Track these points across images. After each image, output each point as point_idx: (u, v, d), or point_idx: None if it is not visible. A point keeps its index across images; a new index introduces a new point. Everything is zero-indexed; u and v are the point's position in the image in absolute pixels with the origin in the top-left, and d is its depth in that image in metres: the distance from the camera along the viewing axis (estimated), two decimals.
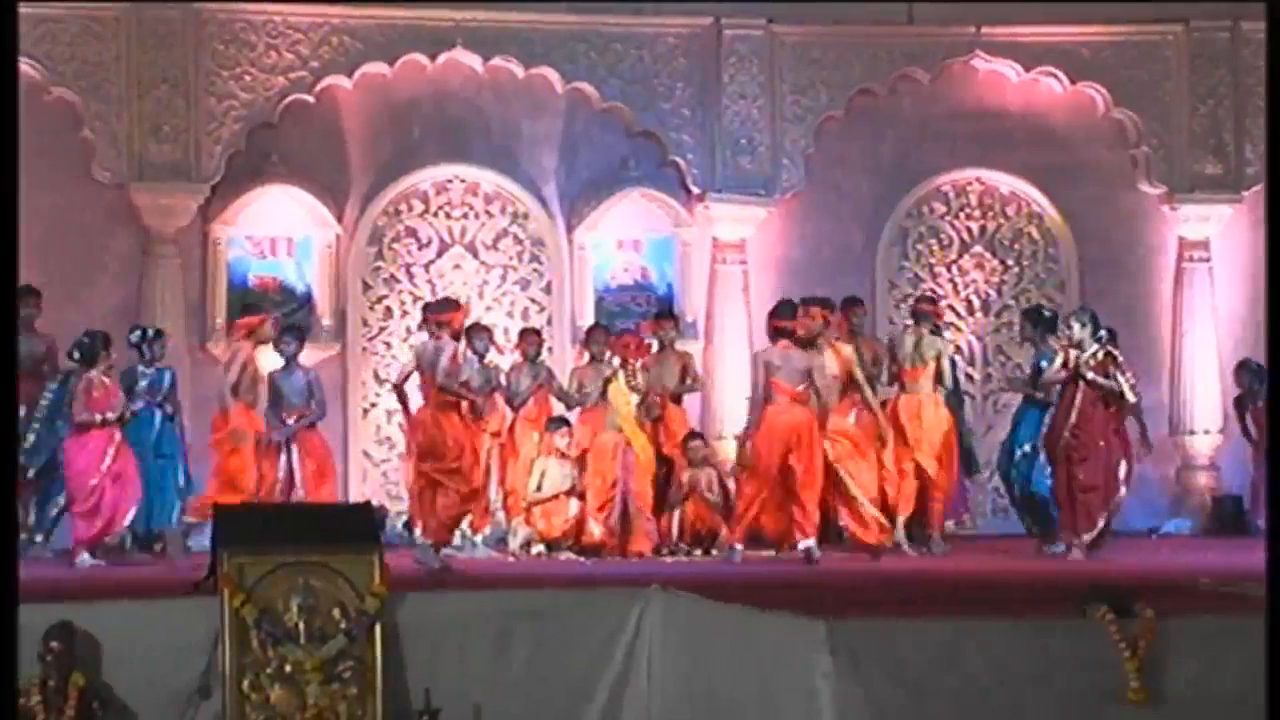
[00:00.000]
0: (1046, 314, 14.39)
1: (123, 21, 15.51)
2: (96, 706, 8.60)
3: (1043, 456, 13.56)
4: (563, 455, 13.93)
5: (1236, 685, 7.98)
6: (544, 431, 14.10)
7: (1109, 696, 7.88)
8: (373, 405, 16.06)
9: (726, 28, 16.39)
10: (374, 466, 16.06)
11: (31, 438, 13.12)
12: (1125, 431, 13.28)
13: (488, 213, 16.39)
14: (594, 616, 9.47)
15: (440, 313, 12.58)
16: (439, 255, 16.29)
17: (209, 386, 15.33)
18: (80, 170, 15.50)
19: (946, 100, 16.84)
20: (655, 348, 14.48)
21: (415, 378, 12.63)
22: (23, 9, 13.24)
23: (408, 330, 15.90)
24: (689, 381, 14.72)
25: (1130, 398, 13.05)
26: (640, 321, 15.20)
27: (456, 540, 12.51)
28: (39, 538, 13.36)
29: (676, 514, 13.82)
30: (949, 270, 16.90)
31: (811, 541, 12.79)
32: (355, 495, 15.44)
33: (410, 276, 16.22)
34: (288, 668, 8.86)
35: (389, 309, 16.15)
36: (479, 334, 13.85)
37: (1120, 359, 13.19)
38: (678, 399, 14.64)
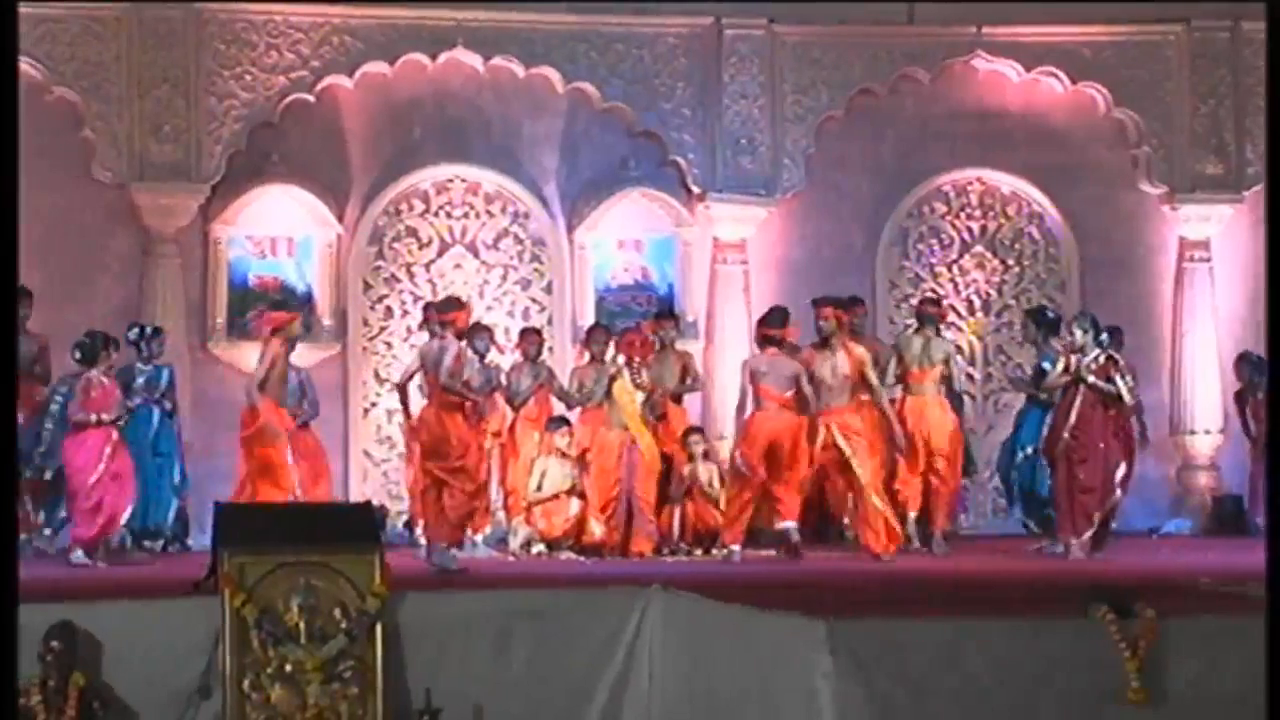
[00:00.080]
0: (1050, 315, 14.42)
1: (123, 21, 15.51)
2: (97, 706, 8.60)
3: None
4: (563, 455, 13.93)
5: (1237, 685, 7.98)
6: (544, 431, 14.10)
7: (1109, 696, 7.88)
8: (373, 405, 16.06)
9: (727, 27, 16.39)
10: (374, 466, 16.05)
11: (46, 439, 13.14)
12: (1125, 434, 13.32)
13: (488, 212, 16.39)
14: (594, 616, 9.47)
15: (445, 312, 12.58)
16: (440, 255, 16.29)
17: (210, 385, 15.39)
18: (81, 170, 15.50)
19: (947, 100, 16.84)
20: (656, 347, 14.48)
21: (417, 377, 12.64)
22: (23, 9, 13.24)
23: (408, 330, 15.91)
24: (689, 381, 14.73)
25: (1128, 400, 13.11)
26: (641, 321, 15.20)
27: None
28: (47, 531, 13.40)
29: (677, 513, 13.82)
30: (949, 270, 16.90)
31: (792, 524, 12.93)
32: (356, 495, 15.44)
33: (411, 276, 16.22)
34: (288, 667, 8.86)
35: (389, 309, 16.15)
36: (479, 334, 13.84)
37: (1121, 362, 13.23)
38: (678, 399, 14.65)
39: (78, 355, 13.03)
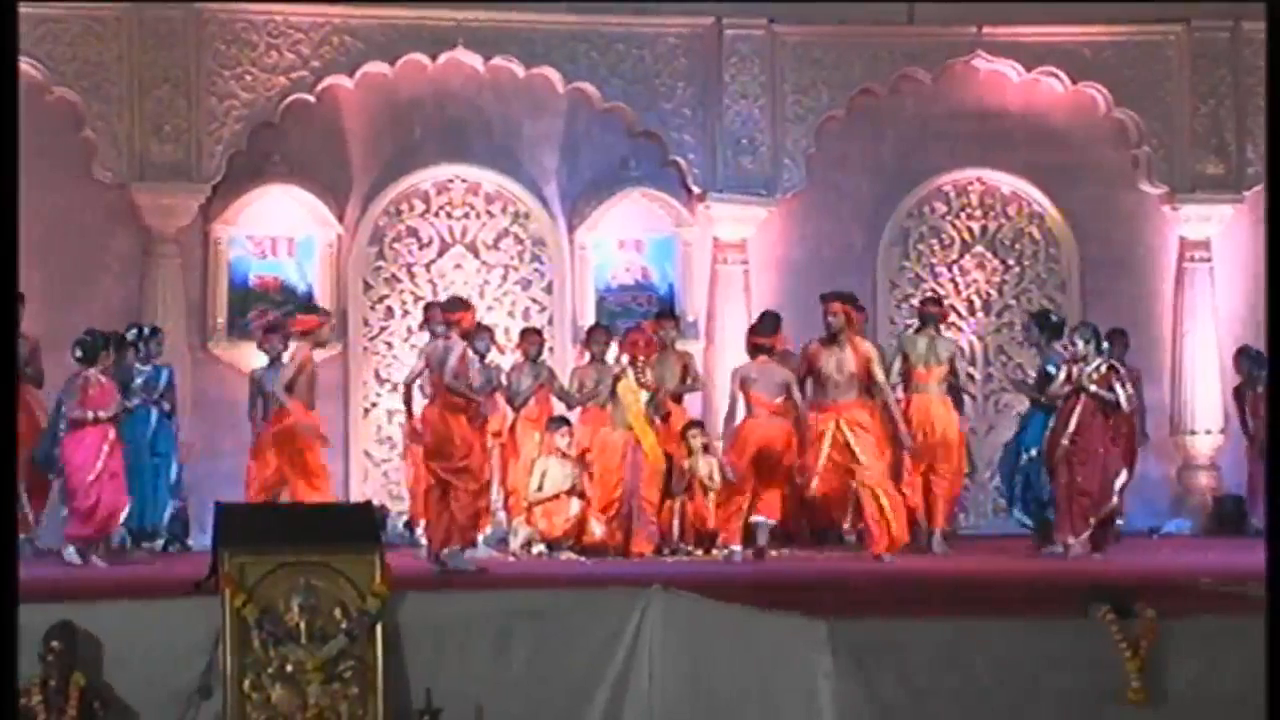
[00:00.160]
0: (1054, 319, 14.44)
1: (124, 21, 15.51)
2: (97, 706, 8.60)
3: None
4: (564, 455, 13.93)
5: (1237, 685, 7.99)
6: (545, 431, 14.10)
7: (1110, 696, 7.88)
8: (373, 405, 16.06)
9: (728, 28, 16.39)
10: (375, 466, 16.06)
11: (60, 439, 13.17)
12: (1126, 440, 13.53)
13: (489, 212, 16.39)
14: (595, 616, 9.47)
15: (450, 312, 12.57)
16: (440, 255, 16.29)
17: (210, 385, 15.39)
18: (81, 170, 15.50)
19: (947, 100, 16.84)
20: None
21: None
22: (24, 9, 13.25)
23: (409, 330, 15.92)
24: (690, 381, 14.72)
25: (1125, 408, 13.22)
26: (642, 321, 15.19)
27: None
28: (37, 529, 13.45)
29: (677, 512, 13.82)
30: (950, 270, 16.90)
31: (764, 518, 13.00)
32: (356, 495, 15.44)
33: (411, 276, 16.22)
34: (289, 667, 8.86)
35: (390, 309, 16.15)
36: (480, 334, 13.82)
37: (1121, 371, 13.32)
38: (678, 399, 14.65)
39: (78, 353, 13.04)
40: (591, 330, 15.06)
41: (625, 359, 13.94)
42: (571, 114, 16.44)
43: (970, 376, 16.33)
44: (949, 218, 16.95)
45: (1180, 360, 16.72)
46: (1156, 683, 7.90)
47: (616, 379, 13.84)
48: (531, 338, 14.85)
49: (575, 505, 13.81)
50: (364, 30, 15.88)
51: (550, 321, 16.25)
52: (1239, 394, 15.67)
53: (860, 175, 16.81)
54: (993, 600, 9.69)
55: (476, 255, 16.34)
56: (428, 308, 14.80)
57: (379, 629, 8.97)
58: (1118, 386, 13.15)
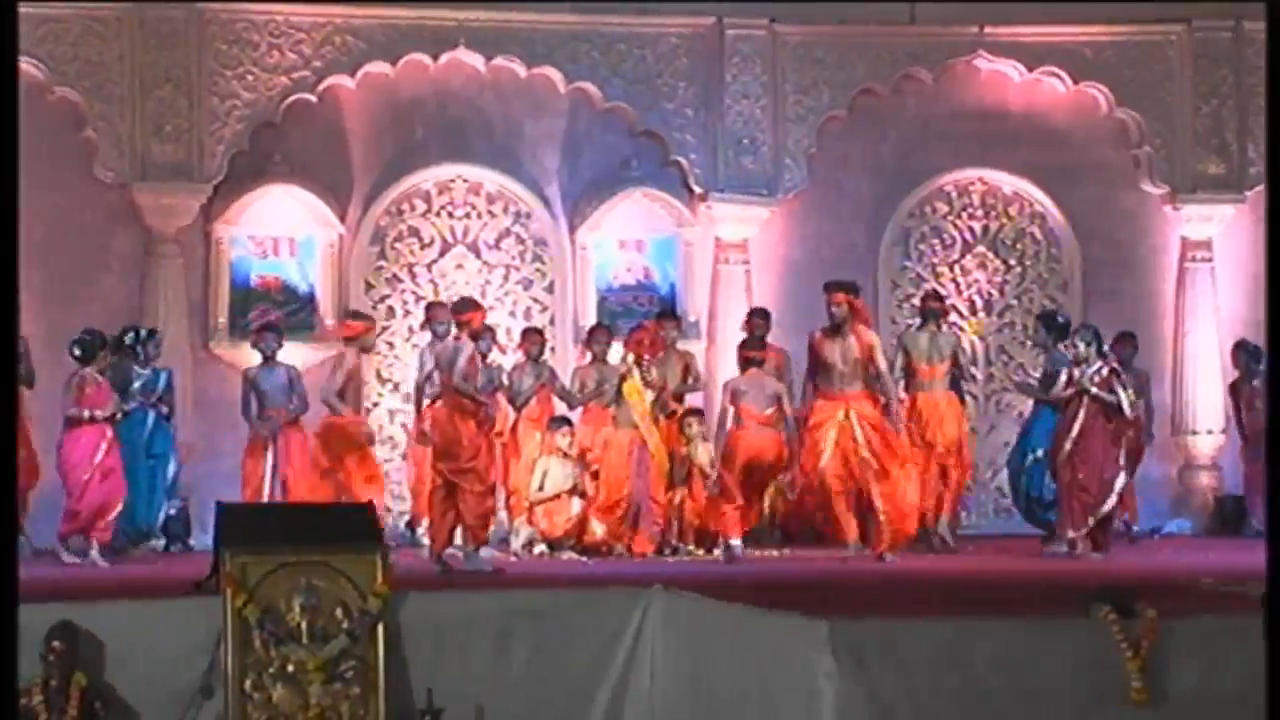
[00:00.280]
0: (1060, 320, 14.46)
1: (125, 21, 15.51)
2: (98, 706, 8.60)
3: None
4: (565, 455, 13.93)
5: (1238, 685, 7.99)
6: (546, 431, 14.10)
7: (1111, 696, 7.88)
8: (374, 405, 16.04)
9: (729, 27, 16.39)
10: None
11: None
12: (1133, 441, 13.56)
13: (490, 212, 16.39)
14: (596, 616, 9.47)
15: (460, 312, 12.57)
16: (441, 255, 16.30)
17: (211, 385, 15.39)
18: (83, 170, 15.51)
19: (949, 100, 16.84)
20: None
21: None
22: (25, 9, 13.21)
23: (410, 330, 15.92)
24: (691, 381, 14.73)
25: (1128, 413, 13.24)
26: (646, 320, 15.18)
27: (458, 539, 12.51)
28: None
29: (675, 510, 13.82)
30: (951, 270, 16.90)
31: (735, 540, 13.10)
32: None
33: (413, 276, 16.22)
34: (290, 667, 8.86)
35: (391, 309, 16.15)
36: (482, 334, 13.84)
37: (1123, 374, 13.35)
38: (680, 398, 14.65)
39: (76, 353, 13.06)
40: (593, 330, 15.06)
41: (630, 358, 13.94)
42: (573, 114, 16.44)
43: (972, 376, 16.33)
44: (950, 217, 16.95)
45: (1182, 360, 16.71)
46: (1157, 683, 7.91)
47: (622, 378, 13.84)
48: (533, 338, 14.85)
49: (576, 505, 13.82)
50: (365, 30, 15.89)
51: (551, 321, 16.25)
52: (1235, 389, 15.68)
53: (862, 175, 16.81)
54: (993, 600, 9.69)
55: (478, 255, 16.34)
56: (429, 308, 14.80)
57: (380, 629, 8.97)
58: (1119, 389, 13.18)
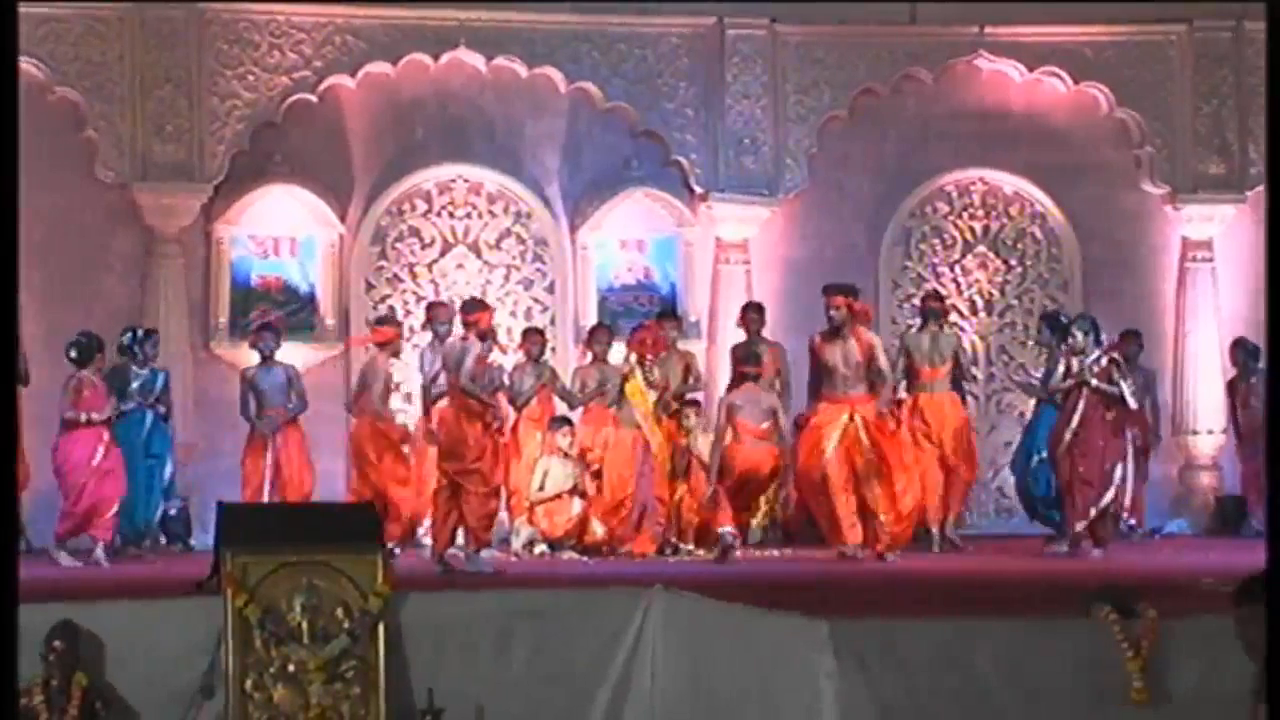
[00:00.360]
0: (1063, 320, 14.47)
1: (126, 21, 15.52)
2: (99, 706, 8.60)
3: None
4: (565, 454, 13.94)
5: (1238, 685, 7.95)
6: (547, 431, 14.11)
7: (1112, 696, 7.87)
8: None
9: (730, 27, 16.40)
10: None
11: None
12: (1140, 432, 13.83)
13: (491, 212, 16.40)
14: (596, 616, 9.47)
15: (468, 313, 12.57)
16: (442, 255, 16.30)
17: (211, 385, 15.39)
18: (83, 170, 15.51)
19: (950, 100, 16.84)
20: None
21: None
22: (26, 9, 13.25)
23: (410, 330, 15.90)
24: (692, 381, 14.73)
25: (1131, 403, 13.24)
26: (648, 320, 15.18)
27: (459, 539, 12.53)
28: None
29: (673, 509, 13.82)
30: (952, 270, 16.90)
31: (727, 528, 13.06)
32: None
33: (413, 276, 16.23)
34: (291, 667, 8.86)
35: (392, 309, 16.13)
36: (489, 334, 13.85)
37: (1123, 364, 13.35)
38: (680, 398, 14.64)
39: (73, 355, 13.07)
40: (593, 330, 15.07)
41: (633, 358, 13.94)
42: (573, 114, 16.44)
43: (973, 376, 16.34)
44: (951, 217, 16.95)
45: (1182, 360, 16.71)
46: (1158, 683, 7.90)
47: (625, 379, 13.84)
48: (534, 338, 14.86)
49: (577, 505, 13.82)
50: (366, 30, 15.89)
51: (552, 321, 16.25)
52: (1232, 387, 15.69)
53: (862, 175, 16.81)
54: (994, 600, 9.69)
55: (478, 255, 16.35)
56: (429, 308, 14.83)
57: (381, 629, 8.97)
58: (1119, 379, 13.17)
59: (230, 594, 8.83)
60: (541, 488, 13.88)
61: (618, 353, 14.59)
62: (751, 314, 14.62)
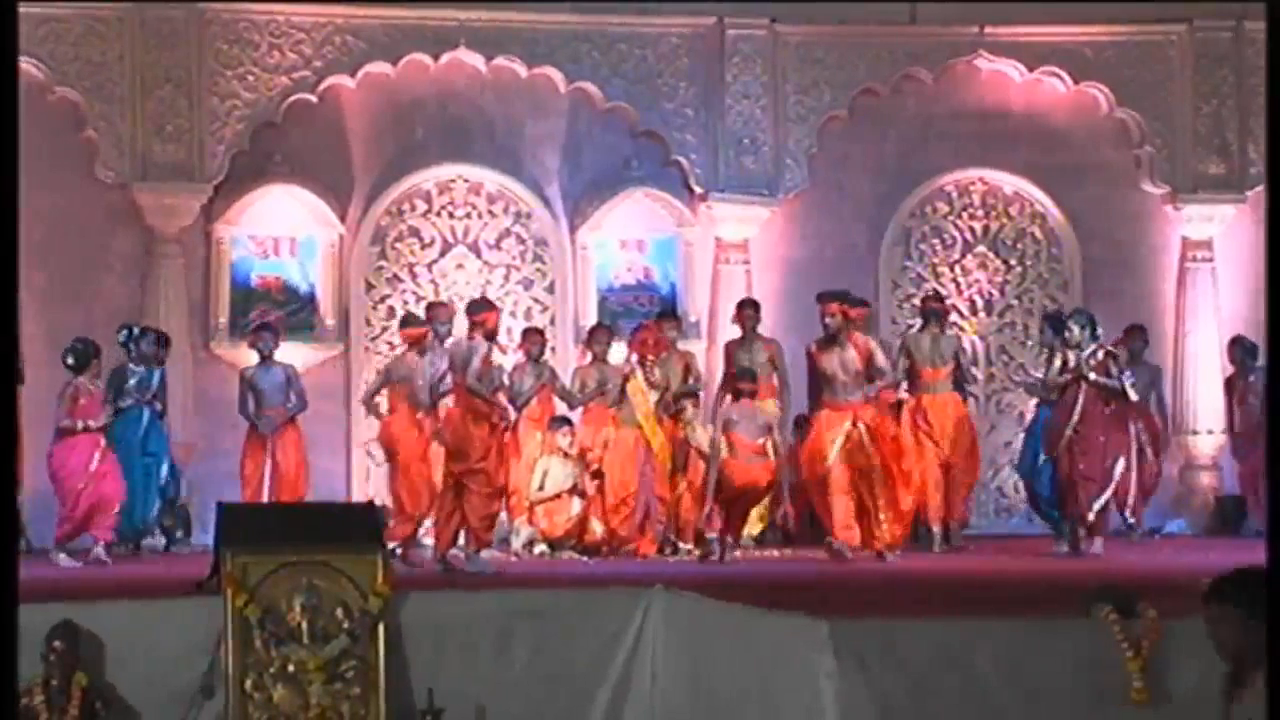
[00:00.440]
0: (1064, 319, 14.48)
1: (126, 21, 15.53)
2: (99, 706, 8.59)
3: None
4: (565, 454, 13.94)
5: None
6: (547, 431, 14.12)
7: (1111, 696, 7.86)
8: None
9: (730, 27, 16.40)
10: (377, 466, 16.03)
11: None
12: (1130, 429, 13.65)
13: (490, 212, 16.40)
14: (596, 616, 9.46)
15: (475, 313, 12.57)
16: (442, 255, 16.31)
17: (211, 385, 15.40)
18: (83, 170, 15.52)
19: (950, 100, 16.85)
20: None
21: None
22: (26, 9, 13.25)
23: None
24: (691, 381, 14.71)
25: (1132, 395, 13.28)
26: (648, 320, 15.18)
27: (460, 539, 12.52)
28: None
29: (675, 503, 13.83)
30: (952, 270, 16.91)
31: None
32: (358, 495, 15.44)
33: (413, 276, 16.23)
34: (291, 668, 8.85)
35: (392, 309, 16.15)
36: (496, 334, 13.83)
37: (1120, 357, 13.37)
38: (680, 398, 14.63)
39: (69, 361, 13.07)
40: (593, 330, 15.06)
41: (634, 358, 13.94)
42: (573, 114, 16.45)
43: (973, 377, 16.33)
44: (951, 217, 16.95)
45: (1182, 360, 16.71)
46: (1158, 683, 7.89)
47: (626, 379, 13.84)
48: (533, 338, 14.86)
49: (576, 505, 13.82)
50: (366, 30, 15.90)
51: (552, 321, 16.26)
52: (1230, 385, 15.70)
53: (862, 175, 16.81)
54: (994, 600, 9.68)
55: (478, 255, 16.35)
56: (429, 308, 14.82)
57: (381, 629, 8.96)
58: (1117, 373, 13.20)
59: (230, 594, 8.82)
60: (541, 488, 13.89)
61: (617, 353, 14.59)
62: (747, 311, 14.60)
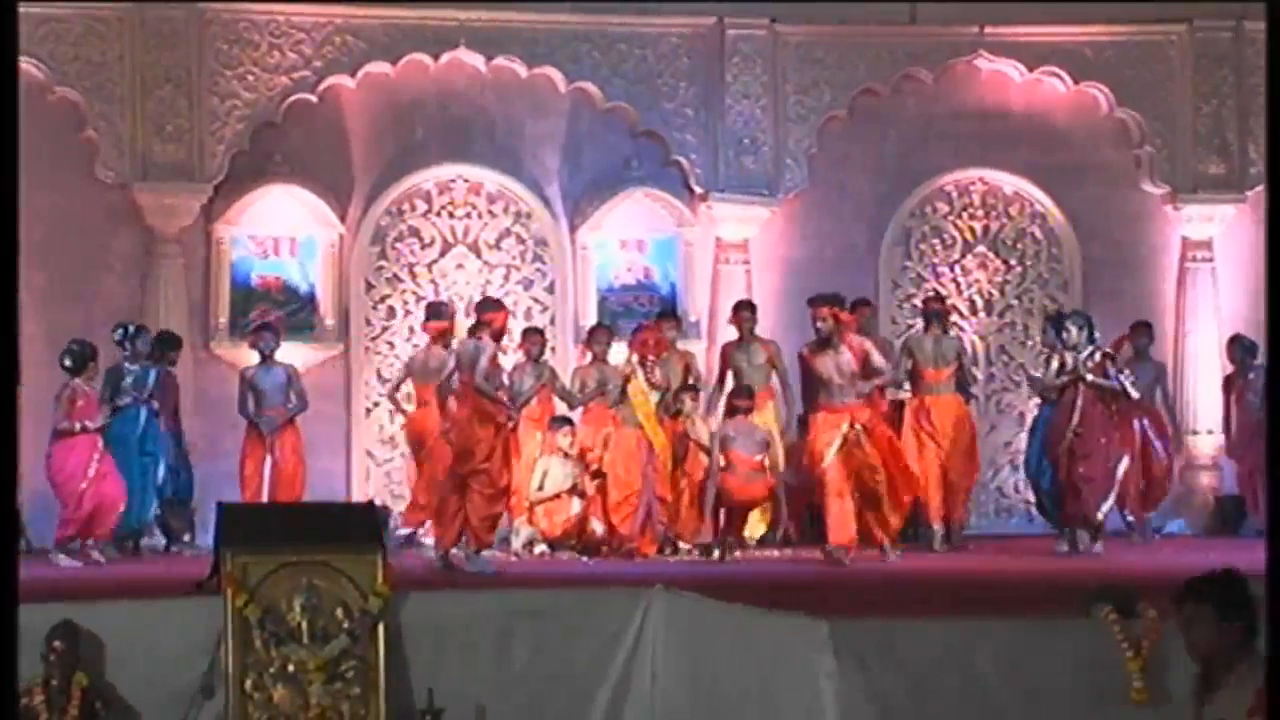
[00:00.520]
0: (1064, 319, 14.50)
1: (126, 21, 15.52)
2: (99, 706, 8.60)
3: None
4: (565, 454, 13.94)
5: None
6: (547, 431, 14.12)
7: (1111, 696, 7.87)
8: (375, 405, 16.03)
9: (730, 27, 16.40)
10: (377, 466, 16.05)
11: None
12: (1157, 426, 14.02)
13: (490, 212, 16.40)
14: (597, 616, 9.47)
15: (483, 313, 12.58)
16: (442, 255, 16.30)
17: (212, 385, 15.39)
18: (83, 170, 15.51)
19: (950, 100, 16.84)
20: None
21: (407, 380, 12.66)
22: (27, 9, 13.24)
23: (410, 330, 15.92)
24: (691, 381, 14.71)
25: (1132, 394, 13.30)
26: (648, 320, 15.17)
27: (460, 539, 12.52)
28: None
29: (674, 502, 13.85)
30: (952, 270, 16.90)
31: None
32: (358, 495, 15.44)
33: (413, 276, 16.22)
34: (291, 667, 8.86)
35: (392, 309, 16.15)
36: (505, 334, 13.83)
37: (1117, 358, 13.39)
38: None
39: (67, 363, 13.08)
40: (593, 330, 15.05)
41: (635, 359, 13.94)
42: (574, 114, 16.44)
43: (974, 377, 16.33)
44: (951, 217, 16.94)
45: (1182, 360, 16.69)
46: (1158, 683, 7.89)
47: (626, 380, 13.84)
48: (533, 338, 14.85)
49: (576, 504, 13.82)
50: (366, 30, 15.89)
51: (552, 321, 16.25)
52: (1228, 383, 15.69)
53: (862, 175, 16.80)
54: (994, 600, 9.69)
55: (478, 255, 16.35)
56: (429, 307, 14.83)
57: (381, 629, 8.97)
58: (1115, 373, 13.21)
59: (230, 594, 8.83)
60: (540, 488, 13.89)
61: (617, 353, 14.58)
62: (744, 313, 14.59)
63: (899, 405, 14.51)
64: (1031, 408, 15.25)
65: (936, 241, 16.91)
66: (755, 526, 13.95)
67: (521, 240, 16.40)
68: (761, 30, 16.46)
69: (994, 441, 16.41)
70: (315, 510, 11.90)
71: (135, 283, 15.55)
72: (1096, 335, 13.47)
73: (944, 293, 16.40)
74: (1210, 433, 16.56)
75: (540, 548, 13.73)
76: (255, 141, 15.73)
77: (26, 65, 14.63)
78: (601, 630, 9.39)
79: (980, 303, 16.89)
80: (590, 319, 15.85)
